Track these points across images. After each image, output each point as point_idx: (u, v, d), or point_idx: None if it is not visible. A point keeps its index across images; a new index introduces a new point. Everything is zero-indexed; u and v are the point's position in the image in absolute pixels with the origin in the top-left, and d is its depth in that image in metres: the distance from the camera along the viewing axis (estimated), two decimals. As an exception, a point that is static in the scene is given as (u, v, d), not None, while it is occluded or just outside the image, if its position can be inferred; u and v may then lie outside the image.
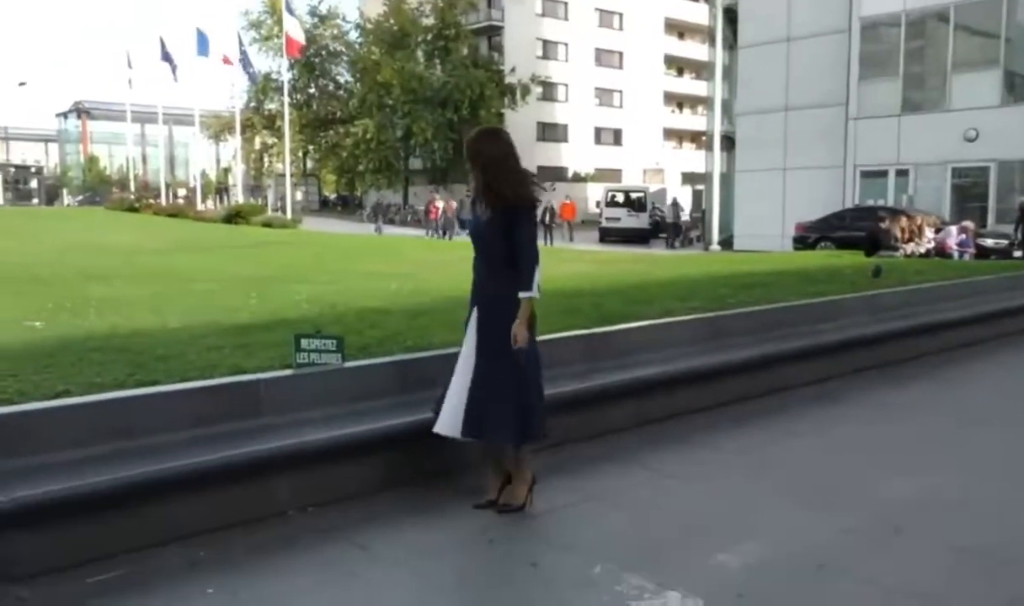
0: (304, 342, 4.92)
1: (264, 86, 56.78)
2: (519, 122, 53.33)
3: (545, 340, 6.08)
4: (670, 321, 7.14)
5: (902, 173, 27.22)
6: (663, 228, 34.67)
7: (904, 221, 19.35)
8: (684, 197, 48.03)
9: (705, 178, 34.51)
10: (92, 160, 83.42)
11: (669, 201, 35.89)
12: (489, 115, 49.68)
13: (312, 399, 4.75)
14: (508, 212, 4.26)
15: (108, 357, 5.47)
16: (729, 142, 32.61)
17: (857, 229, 21.22)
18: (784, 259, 17.29)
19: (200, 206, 47.30)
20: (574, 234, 36.48)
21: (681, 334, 6.91)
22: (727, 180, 32.37)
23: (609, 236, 36.44)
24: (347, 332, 5.66)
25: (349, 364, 4.98)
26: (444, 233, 33.70)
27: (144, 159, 74.20)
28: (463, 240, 29.44)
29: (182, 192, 63.55)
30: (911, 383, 7.86)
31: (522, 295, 4.24)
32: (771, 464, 5.45)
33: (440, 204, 35.67)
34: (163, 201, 49.64)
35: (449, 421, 4.35)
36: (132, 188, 58.37)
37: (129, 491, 3.90)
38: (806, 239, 23.77)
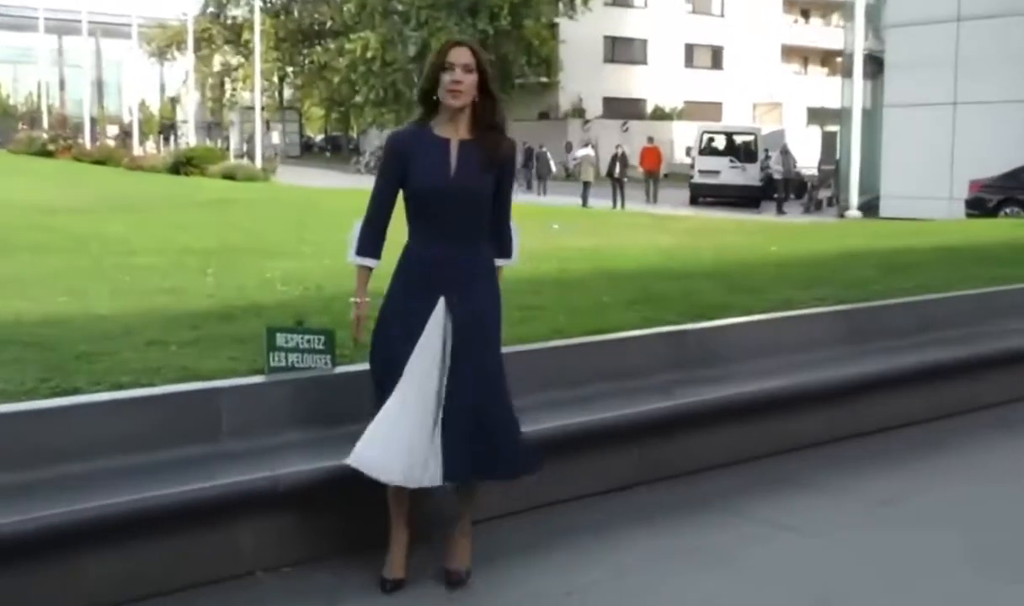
0: (281, 338, 4.95)
1: (227, -17, 57.32)
2: (579, 36, 53.30)
3: (611, 339, 6.13)
4: (789, 316, 7.09)
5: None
6: (774, 186, 34.35)
7: None
8: (809, 141, 47.65)
9: (840, 116, 34.11)
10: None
11: (778, 149, 35.53)
12: (537, 26, 49.72)
13: (290, 416, 4.77)
14: (506, 158, 4.34)
15: (11, 356, 5.54)
16: (875, 65, 32.18)
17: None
18: (952, 230, 17.06)
19: (138, 150, 47.97)
20: (657, 192, 36.34)
21: (804, 334, 6.87)
22: (871, 119, 31.96)
23: (703, 195, 36.27)
24: (339, 324, 5.67)
25: (341, 369, 4.99)
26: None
27: (62, 84, 75.32)
28: (555, 204, 29.55)
29: (113, 130, 64.48)
30: None
31: (507, 263, 4.48)
32: (934, 517, 5.39)
33: (583, 152, 34.85)
34: (88, 142, 50.35)
35: (410, 464, 4.14)
36: (45, 124, 59.31)
37: (38, 540, 3.94)
38: (984, 202, 23.45)
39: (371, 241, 4.31)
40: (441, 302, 4.22)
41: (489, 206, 4.32)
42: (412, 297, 4.22)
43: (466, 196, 4.22)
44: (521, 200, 32.38)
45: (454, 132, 4.24)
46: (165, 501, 4.18)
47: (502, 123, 4.34)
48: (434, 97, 4.21)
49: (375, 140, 55.57)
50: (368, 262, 4.32)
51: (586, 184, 32.47)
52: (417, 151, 4.21)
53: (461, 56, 4.17)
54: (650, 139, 39.12)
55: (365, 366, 4.47)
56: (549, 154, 40.17)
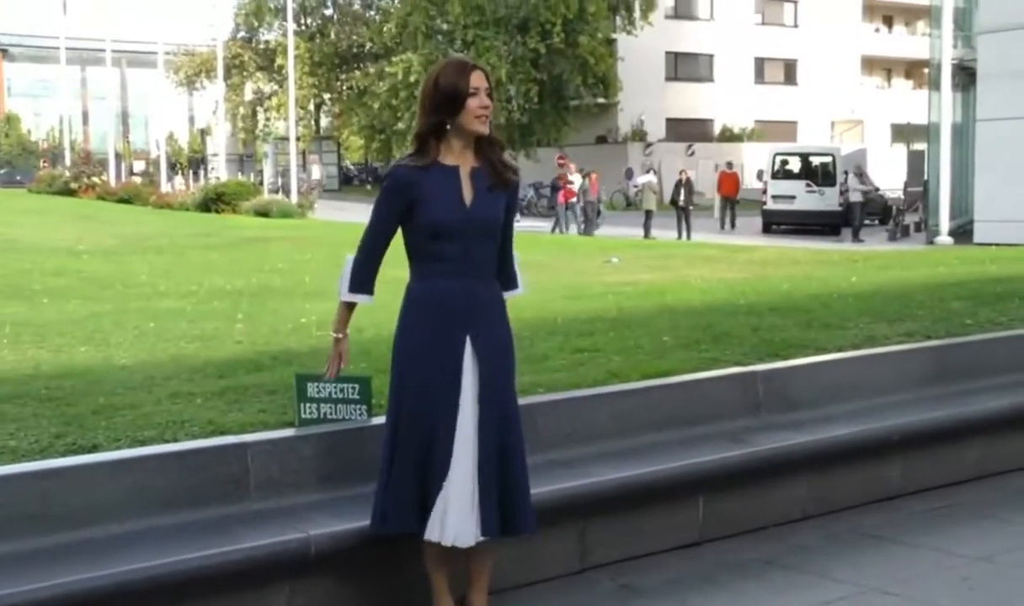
0: (312, 387, 4.98)
1: (259, 6, 58.11)
2: (639, 53, 53.45)
3: (673, 383, 6.11)
4: (871, 354, 7.04)
5: None
6: (850, 210, 34.09)
7: None
8: (894, 161, 47.28)
9: (928, 133, 33.82)
10: (11, 120, 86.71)
11: (851, 171, 35.26)
12: (593, 43, 49.94)
13: (323, 472, 4.80)
14: (515, 182, 4.43)
15: (26, 410, 5.62)
16: (966, 75, 31.89)
17: None
18: (1055, 256, 16.79)
19: (165, 186, 48.67)
20: (735, 217, 36.72)
21: (888, 374, 6.83)
22: (962, 135, 31.64)
23: (777, 223, 36.09)
24: (376, 371, 5.71)
25: (378, 420, 5.01)
26: (585, 225, 33.02)
27: (85, 118, 76.75)
28: (614, 235, 29.15)
29: (140, 166, 65.50)
30: None
31: (515, 294, 4.57)
32: (1034, 578, 5.29)
33: (576, 179, 34.28)
34: (112, 179, 51.18)
35: (456, 522, 4.18)
36: (68, 161, 60.43)
37: (55, 608, 3.98)
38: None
39: (366, 277, 4.39)
40: (468, 342, 4.25)
41: (500, 234, 4.38)
42: (437, 336, 4.25)
43: (483, 227, 4.28)
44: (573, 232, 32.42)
45: (463, 160, 4.29)
46: (189, 567, 4.21)
47: (502, 143, 4.43)
48: (447, 126, 4.25)
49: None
50: (362, 299, 4.41)
51: (648, 213, 32.42)
52: (426, 183, 4.23)
53: (482, 80, 4.25)
54: (729, 164, 39.92)
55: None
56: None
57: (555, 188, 34.17)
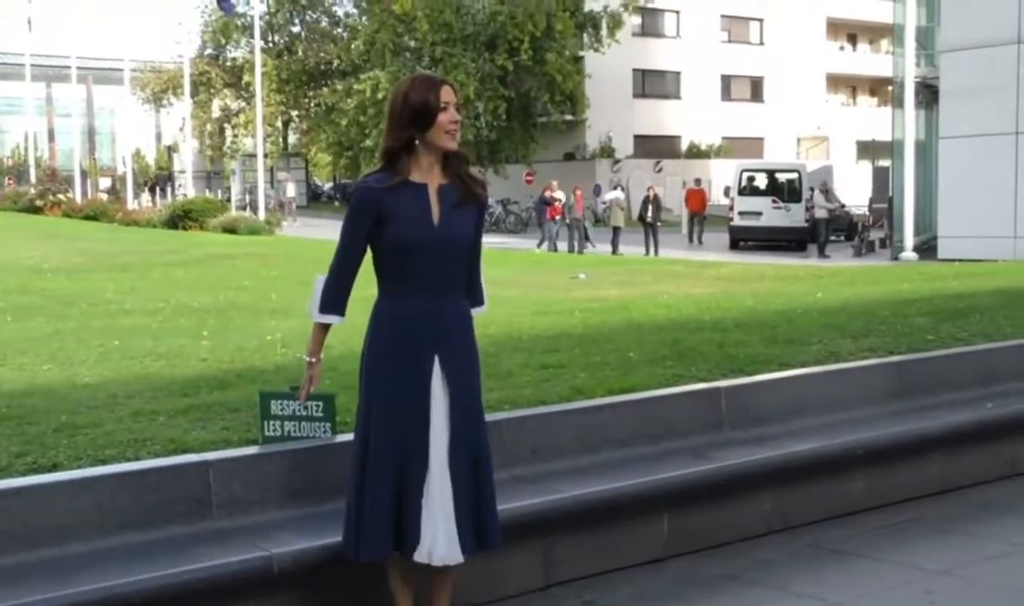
0: (276, 405, 4.97)
1: (225, 23, 57.95)
2: (606, 70, 53.62)
3: (638, 399, 6.13)
4: (836, 369, 7.07)
5: None
6: (816, 226, 34.33)
7: None
8: (859, 178, 47.60)
9: (892, 150, 34.10)
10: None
11: (816, 186, 35.52)
12: (560, 61, 50.08)
13: (286, 490, 4.78)
14: (483, 199, 4.40)
15: (-12, 428, 5.58)
16: (929, 93, 32.20)
17: None
18: (1017, 272, 16.96)
19: (132, 203, 48.40)
20: (703, 232, 37.26)
21: (852, 389, 6.87)
22: (926, 152, 31.90)
23: (744, 239, 36.28)
24: (341, 388, 5.70)
25: (343, 437, 5.00)
26: (575, 243, 33.03)
27: (51, 135, 76.22)
28: (599, 253, 29.05)
29: (106, 182, 65.10)
30: None
31: (480, 311, 4.51)
32: (1002, 589, 5.33)
33: (560, 195, 34.33)
34: (78, 196, 50.84)
35: (438, 540, 4.16)
36: (33, 178, 60.04)
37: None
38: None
39: (338, 297, 4.33)
40: (436, 361, 4.22)
41: (469, 253, 4.35)
42: (405, 355, 4.21)
43: (452, 245, 4.23)
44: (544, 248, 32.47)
45: (430, 177, 4.25)
46: (150, 586, 4.18)
47: (468, 160, 4.41)
48: (415, 143, 4.22)
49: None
50: (333, 319, 4.34)
51: (616, 229, 32.51)
52: (394, 200, 4.18)
53: (452, 95, 4.23)
54: (697, 181, 40.79)
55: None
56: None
57: (545, 202, 34.02)
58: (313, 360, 4.47)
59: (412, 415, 4.19)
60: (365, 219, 4.23)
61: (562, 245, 33.07)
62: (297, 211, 48.56)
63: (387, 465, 4.20)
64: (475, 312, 4.45)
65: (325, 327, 4.39)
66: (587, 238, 33.49)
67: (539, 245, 32.95)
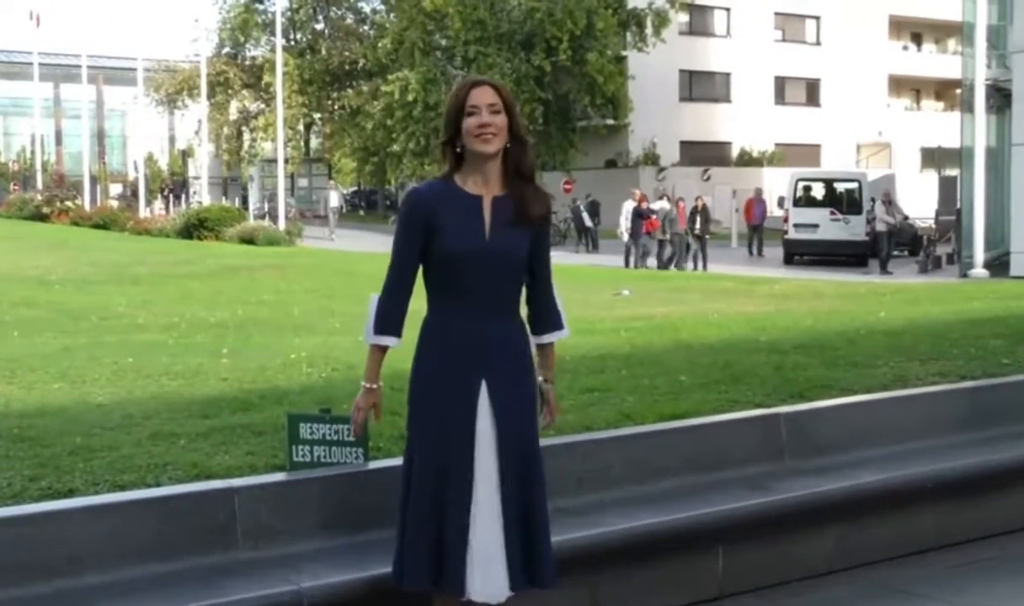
0: (305, 428, 4.98)
1: (245, 20, 58.32)
2: (652, 70, 53.60)
3: (690, 425, 6.12)
4: (904, 395, 7.05)
5: None
6: (877, 240, 34.08)
7: None
8: (924, 188, 47.29)
9: (960, 158, 33.89)
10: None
11: (878, 197, 35.28)
12: (602, 61, 50.06)
13: (316, 520, 4.80)
14: (543, 214, 4.36)
15: (-1, 450, 5.61)
16: (1001, 96, 31.96)
17: None
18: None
19: (144, 211, 48.75)
20: (760, 247, 37.38)
21: (922, 417, 6.83)
22: (998, 160, 31.65)
23: (799, 253, 36.07)
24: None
25: (375, 464, 5.01)
26: (675, 258, 31.80)
27: (59, 138, 76.91)
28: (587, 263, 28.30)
29: (116, 189, 65.54)
30: None
31: (560, 336, 4.49)
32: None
33: (661, 206, 33.46)
34: (87, 203, 51.26)
35: (487, 576, 4.15)
36: (40, 183, 60.59)
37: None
38: None
39: (393, 317, 4.27)
40: (483, 387, 4.20)
41: (524, 271, 4.33)
42: (449, 378, 4.19)
43: (504, 260, 4.21)
44: (583, 261, 32.42)
45: (485, 187, 4.24)
46: (172, 620, 4.21)
47: (533, 173, 4.36)
48: (458, 148, 4.22)
49: (416, 195, 55.78)
50: (389, 341, 4.29)
51: (661, 243, 32.33)
52: (444, 210, 4.19)
53: (484, 96, 4.20)
54: (758, 191, 40.70)
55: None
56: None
57: (640, 215, 32.95)
58: (373, 386, 4.35)
59: (455, 440, 4.18)
60: (415, 227, 4.22)
61: (651, 261, 32.17)
62: (315, 221, 48.56)
63: (426, 495, 4.19)
64: (553, 337, 4.44)
65: (382, 350, 4.32)
66: (683, 254, 32.33)
67: (630, 263, 32.08)
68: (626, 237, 32.74)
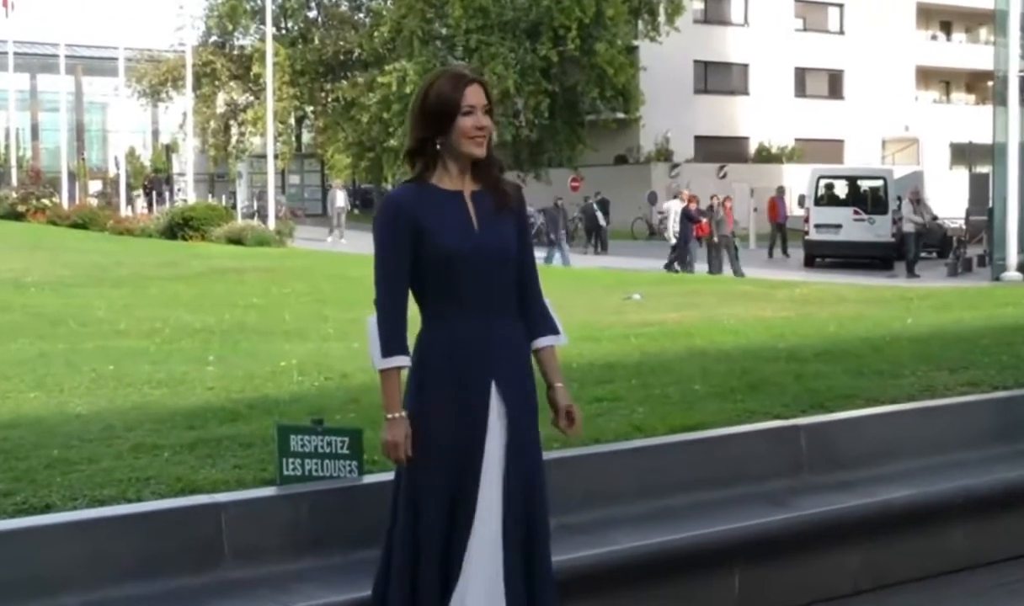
0: (296, 440, 4.98)
1: (233, 7, 58.36)
2: (665, 61, 53.59)
3: (704, 437, 6.11)
4: (932, 406, 7.04)
5: None
6: (904, 241, 34.02)
7: None
8: (954, 185, 47.27)
9: (993, 153, 33.89)
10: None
11: (908, 195, 35.23)
12: (612, 51, 50.03)
13: (308, 537, 4.80)
14: (521, 204, 4.38)
15: (-29, 463, 5.62)
16: (1034, 89, 31.93)
17: None
18: None
19: (125, 210, 48.78)
20: (785, 246, 37.83)
21: (951, 429, 6.82)
22: (1031, 156, 31.59)
23: (821, 255, 36.06)
24: (368, 422, 5.72)
25: (370, 478, 5.01)
26: (718, 262, 31.09)
27: (35, 132, 76.94)
28: (635, 268, 27.59)
29: (96, 186, 65.57)
30: None
31: (558, 342, 4.43)
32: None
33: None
34: (65, 201, 51.28)
35: (481, 601, 4.10)
36: (15, 180, 60.62)
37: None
38: None
39: (397, 335, 4.16)
40: (493, 392, 4.16)
41: (516, 267, 4.31)
42: (457, 388, 4.14)
43: (497, 254, 4.21)
44: (592, 264, 32.38)
45: (461, 184, 4.24)
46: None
47: (502, 165, 4.39)
48: (438, 146, 4.20)
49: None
50: (401, 362, 4.14)
51: (711, 245, 31.78)
52: (427, 210, 4.17)
53: (479, 96, 4.19)
54: (780, 189, 40.98)
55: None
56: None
57: (689, 218, 32.44)
58: (397, 415, 4.12)
59: (464, 459, 4.12)
60: (402, 233, 4.17)
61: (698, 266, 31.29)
62: (306, 220, 48.54)
63: (430, 522, 4.11)
64: (550, 342, 4.38)
65: (397, 372, 4.17)
66: (734, 257, 31.86)
67: (674, 266, 31.47)
68: (674, 240, 32.46)
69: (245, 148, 61.59)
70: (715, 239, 31.91)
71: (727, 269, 30.98)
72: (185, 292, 18.60)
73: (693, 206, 32.71)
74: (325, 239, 40.33)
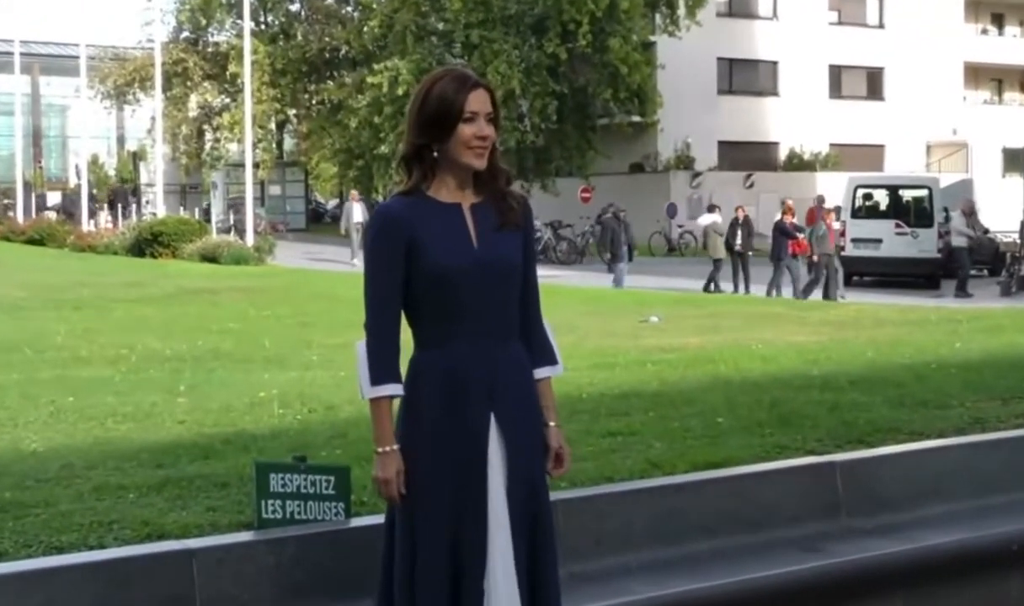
0: (276, 480, 4.99)
1: (207, 1, 58.49)
2: (685, 59, 53.64)
3: (730, 475, 6.11)
4: (982, 440, 7.05)
5: None
6: (953, 256, 33.96)
7: None
8: (1007, 195, 47.23)
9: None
10: None
11: (960, 206, 35.19)
12: (626, 48, 50.09)
13: (289, 587, 4.79)
14: (527, 218, 4.40)
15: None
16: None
17: None
18: None
19: (87, 224, 48.87)
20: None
21: (1004, 466, 6.83)
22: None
23: (859, 272, 36.02)
24: (358, 459, 5.72)
25: (358, 521, 5.02)
26: (812, 284, 29.87)
27: (-11, 139, 77.28)
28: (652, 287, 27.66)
29: (55, 198, 65.69)
30: None
31: (554, 372, 4.44)
32: None
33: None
34: (20, 215, 51.41)
35: None
36: (-34, 192, 60.80)
37: None
38: None
39: (388, 361, 4.19)
40: (493, 423, 4.18)
41: (520, 285, 4.32)
42: (455, 418, 4.15)
43: (498, 271, 4.22)
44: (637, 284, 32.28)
45: (460, 196, 4.26)
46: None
47: (509, 176, 4.39)
48: (435, 153, 4.22)
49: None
50: (392, 390, 4.17)
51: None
52: (423, 224, 4.19)
53: (484, 103, 4.21)
54: (819, 198, 40.23)
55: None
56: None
57: (784, 233, 31.53)
58: (388, 449, 4.16)
59: (466, 494, 4.14)
60: (396, 249, 4.19)
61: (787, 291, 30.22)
62: (288, 235, 48.46)
63: (434, 565, 4.11)
64: (546, 373, 4.39)
65: (387, 402, 4.20)
66: (835, 279, 30.54)
67: (771, 291, 30.52)
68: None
69: (220, 156, 61.58)
70: (814, 257, 30.75)
71: (817, 290, 29.87)
72: (154, 315, 18.60)
73: (789, 220, 31.57)
74: (351, 261, 38.58)
